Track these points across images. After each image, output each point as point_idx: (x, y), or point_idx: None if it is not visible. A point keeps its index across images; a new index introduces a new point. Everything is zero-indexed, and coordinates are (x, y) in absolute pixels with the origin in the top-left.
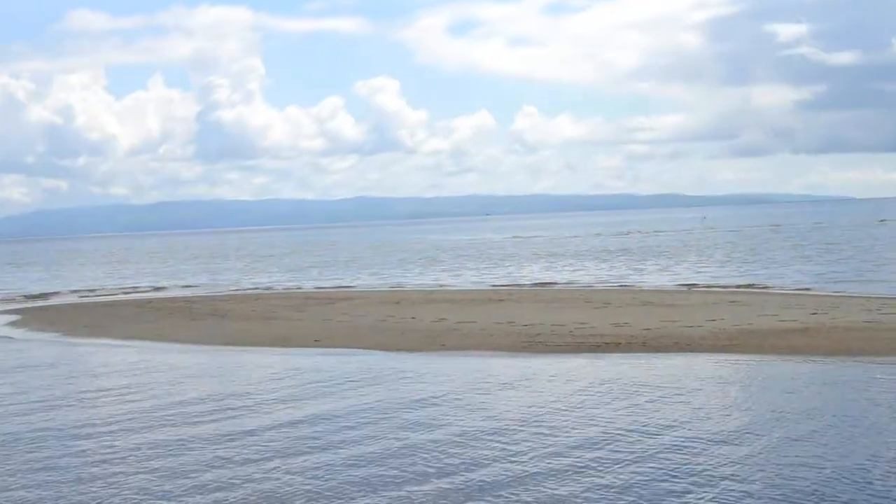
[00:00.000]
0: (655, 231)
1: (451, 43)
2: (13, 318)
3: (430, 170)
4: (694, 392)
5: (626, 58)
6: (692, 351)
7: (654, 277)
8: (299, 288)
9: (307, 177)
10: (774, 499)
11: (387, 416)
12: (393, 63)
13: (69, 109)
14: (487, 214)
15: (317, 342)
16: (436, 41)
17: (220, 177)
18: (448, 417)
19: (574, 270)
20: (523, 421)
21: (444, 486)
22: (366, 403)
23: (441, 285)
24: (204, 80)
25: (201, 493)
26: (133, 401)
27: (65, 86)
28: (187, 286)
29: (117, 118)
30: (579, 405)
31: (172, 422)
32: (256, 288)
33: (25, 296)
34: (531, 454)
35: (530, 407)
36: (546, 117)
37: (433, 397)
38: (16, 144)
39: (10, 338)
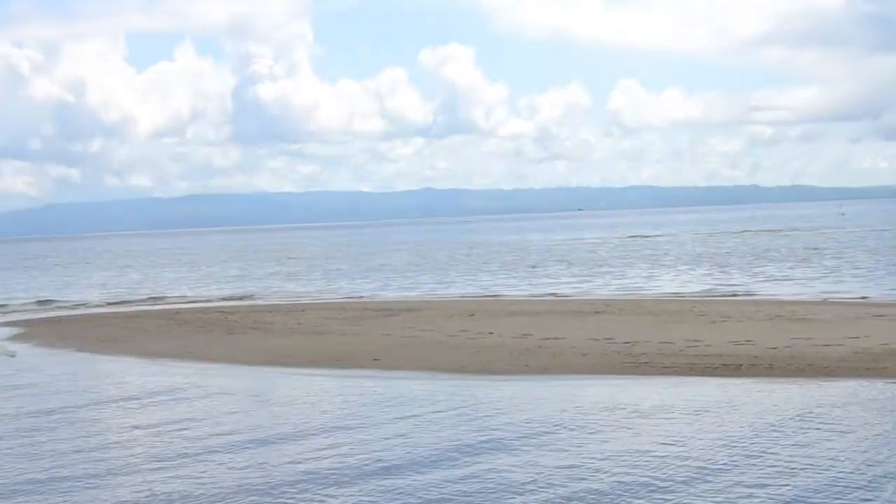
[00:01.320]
0: (783, 230)
1: (536, 4)
2: (16, 331)
3: (511, 156)
4: (869, 426)
5: (748, 21)
6: (830, 375)
7: (781, 286)
8: (354, 297)
9: (363, 165)
10: None
11: (480, 464)
12: (466, 28)
13: (81, 84)
14: (580, 210)
15: (376, 362)
16: (517, 2)
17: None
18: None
19: (685, 277)
20: (685, 466)
21: None
22: (448, 444)
23: (524, 294)
24: (241, 50)
25: None
26: (145, 444)
27: (76, 56)
28: (223, 295)
29: (139, 94)
30: (738, 442)
31: (201, 472)
32: (304, 297)
33: (32, 305)
34: None
35: (676, 442)
36: (649, 93)
37: (534, 433)
38: (19, 126)
39: (11, 354)
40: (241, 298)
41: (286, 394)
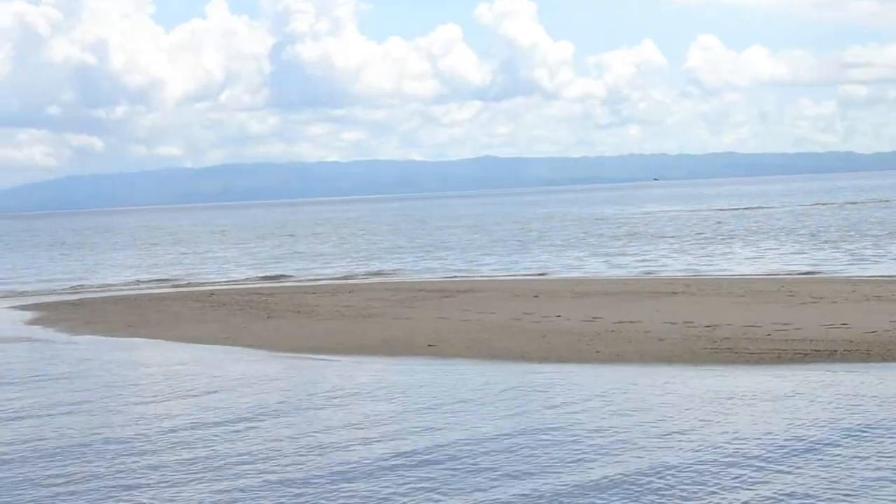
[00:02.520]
0: (882, 200)
1: None
2: (36, 314)
3: (577, 121)
4: None
5: None
6: None
7: (880, 264)
8: (406, 277)
9: (414, 131)
10: None
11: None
12: None
13: (103, 45)
14: (655, 179)
15: (431, 348)
16: None
17: (301, 132)
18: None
19: (772, 254)
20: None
21: None
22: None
23: (593, 273)
24: (279, 5)
25: None
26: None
27: (98, 14)
28: (261, 275)
29: (166, 56)
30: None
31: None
32: (350, 277)
33: (52, 287)
34: None
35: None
36: (731, 50)
37: (605, 428)
38: (36, 91)
39: (29, 338)
40: (279, 279)
41: (333, 384)
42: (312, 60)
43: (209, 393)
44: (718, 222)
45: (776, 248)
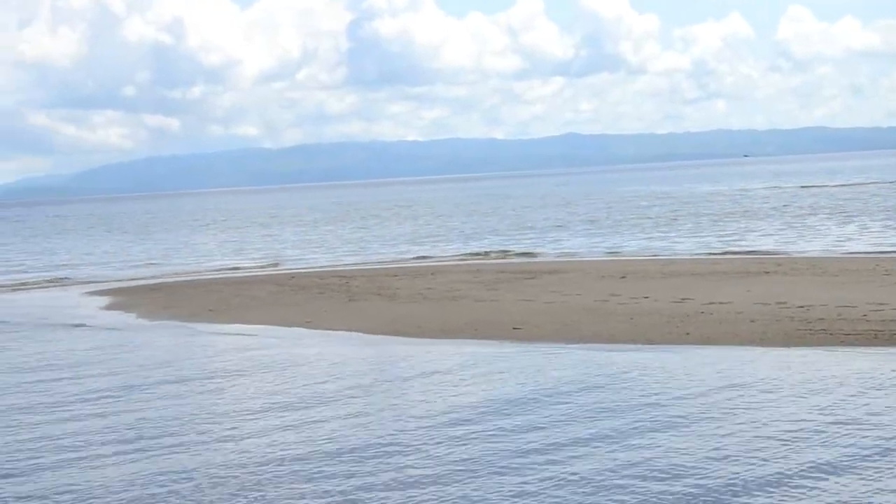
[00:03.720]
0: None
1: None
2: (114, 299)
3: (664, 96)
4: None
5: None
6: None
7: None
8: (491, 258)
9: (496, 108)
10: None
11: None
12: None
13: (179, 24)
14: (745, 156)
15: (516, 331)
16: None
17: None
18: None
19: (869, 233)
20: None
21: None
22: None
23: (682, 253)
24: None
25: None
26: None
27: None
28: (342, 258)
29: (243, 34)
30: None
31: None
32: (431, 258)
33: (131, 270)
34: None
35: None
36: (822, 21)
37: (701, 407)
38: (112, 71)
39: (114, 328)
40: (357, 257)
41: (421, 367)
42: (391, 37)
43: (287, 370)
44: (810, 199)
45: (870, 226)
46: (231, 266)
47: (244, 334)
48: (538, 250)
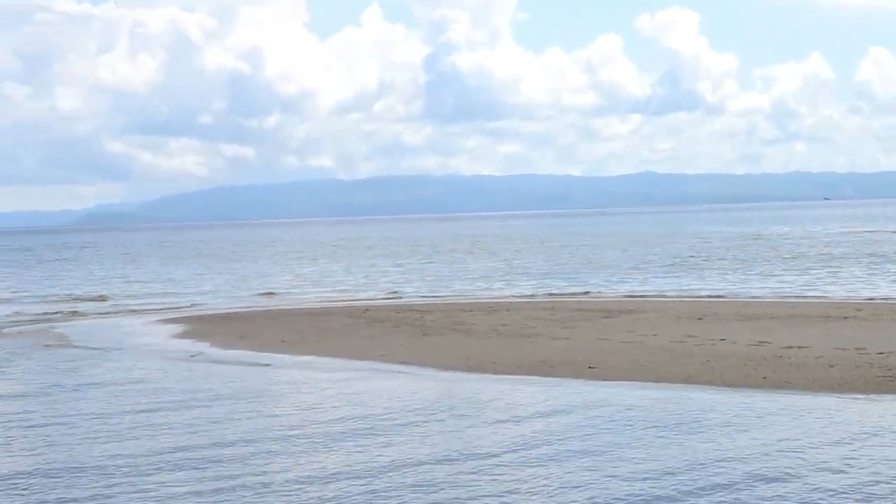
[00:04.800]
0: None
1: None
2: (188, 328)
3: (741, 136)
4: None
5: None
6: None
7: None
8: (566, 296)
9: (572, 145)
10: None
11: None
12: None
13: (257, 53)
14: (825, 199)
15: (591, 370)
16: None
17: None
18: None
19: None
20: None
21: None
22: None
23: (761, 296)
24: (434, 14)
25: None
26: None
27: (252, 22)
28: (417, 293)
29: (320, 65)
30: None
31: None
32: (507, 297)
33: (203, 300)
34: None
35: None
36: None
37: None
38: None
39: (188, 354)
40: (429, 292)
41: (497, 405)
42: (468, 71)
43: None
44: (892, 244)
45: None
46: (297, 293)
47: (314, 366)
48: (612, 289)
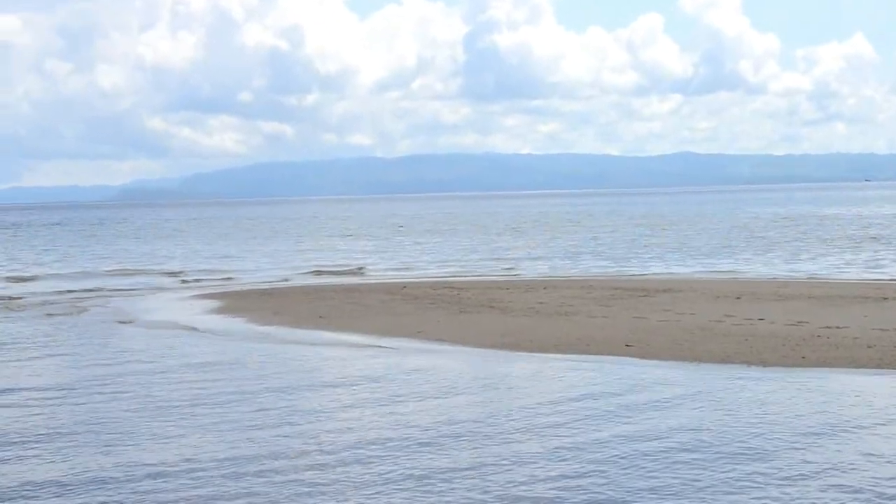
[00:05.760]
0: None
1: None
2: (221, 303)
3: (783, 117)
4: None
5: None
6: None
7: None
8: (604, 275)
9: (612, 124)
10: None
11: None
12: None
13: (297, 31)
14: (867, 180)
15: (629, 348)
16: None
17: (495, 123)
18: None
19: None
20: None
21: None
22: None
23: (799, 276)
24: None
25: None
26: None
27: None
28: (452, 270)
29: (360, 43)
30: None
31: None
32: (542, 274)
33: (240, 275)
34: None
35: None
36: None
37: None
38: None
39: (210, 332)
40: (467, 270)
41: (531, 383)
42: (508, 49)
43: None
44: None
45: None
46: (333, 270)
47: (351, 343)
48: (652, 268)
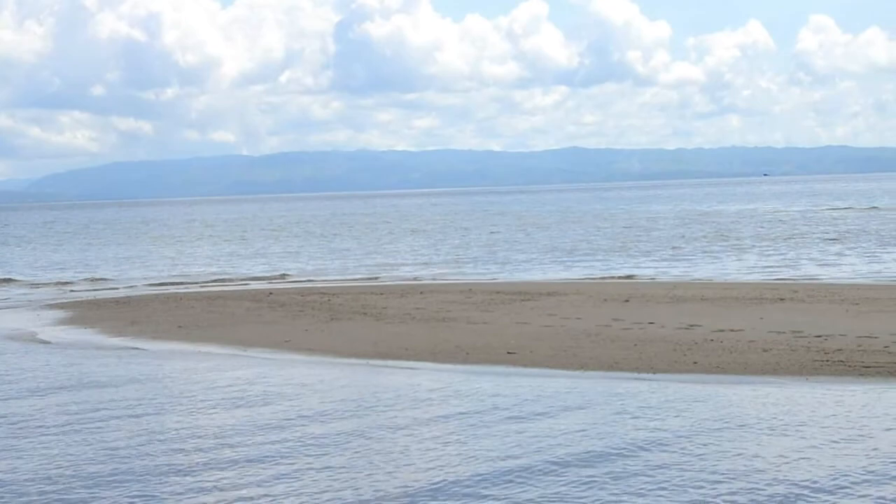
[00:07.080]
0: None
1: None
2: (69, 313)
3: (674, 110)
4: None
5: None
6: None
7: None
8: (483, 278)
9: (493, 119)
10: None
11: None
12: None
13: (154, 20)
14: (765, 174)
15: (511, 356)
16: None
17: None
18: None
19: (891, 259)
20: None
21: None
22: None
23: (689, 277)
24: None
25: None
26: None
27: None
28: (322, 274)
29: (222, 33)
30: None
31: None
32: (421, 278)
33: (86, 283)
34: None
35: None
36: (845, 33)
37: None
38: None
39: (47, 342)
40: (337, 273)
41: (399, 394)
42: (381, 40)
43: (264, 405)
44: (830, 222)
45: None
46: (194, 277)
47: (211, 354)
48: (536, 271)
